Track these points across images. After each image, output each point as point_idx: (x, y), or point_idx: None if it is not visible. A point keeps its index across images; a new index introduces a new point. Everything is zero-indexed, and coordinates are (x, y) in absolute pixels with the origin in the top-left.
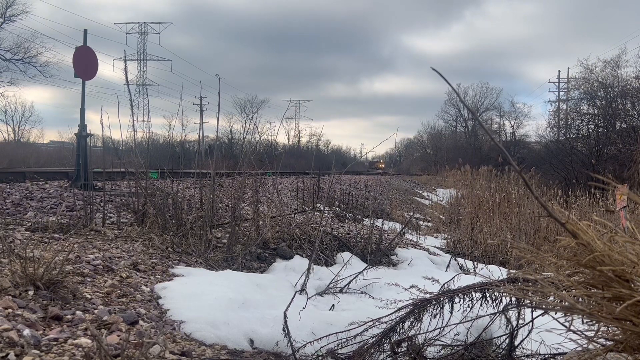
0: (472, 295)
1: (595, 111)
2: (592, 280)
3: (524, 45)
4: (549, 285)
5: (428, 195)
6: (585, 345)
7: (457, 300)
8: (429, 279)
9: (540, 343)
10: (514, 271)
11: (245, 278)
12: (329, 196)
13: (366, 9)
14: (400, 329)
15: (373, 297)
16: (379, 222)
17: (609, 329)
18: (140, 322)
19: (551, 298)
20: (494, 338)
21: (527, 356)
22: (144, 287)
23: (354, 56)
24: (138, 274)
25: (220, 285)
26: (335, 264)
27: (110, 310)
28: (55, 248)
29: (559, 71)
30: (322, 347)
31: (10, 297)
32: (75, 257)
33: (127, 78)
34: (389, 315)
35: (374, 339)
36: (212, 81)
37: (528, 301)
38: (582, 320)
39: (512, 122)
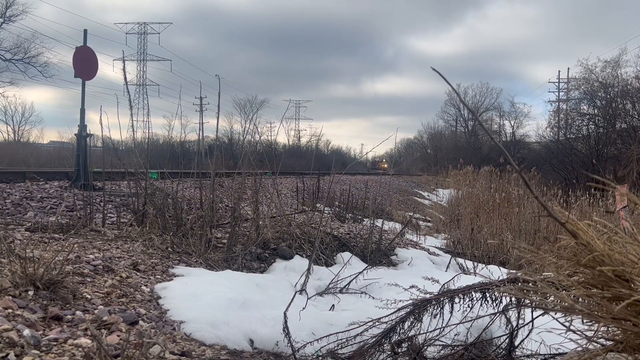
0: (472, 295)
1: (595, 111)
2: (592, 280)
3: (525, 47)
4: (548, 285)
5: (428, 196)
6: (585, 346)
7: (457, 300)
8: (429, 279)
9: (540, 343)
10: (514, 271)
11: (245, 278)
12: (329, 196)
13: (368, 12)
14: (400, 329)
15: (373, 297)
16: (379, 222)
17: (609, 329)
18: (140, 322)
19: (551, 298)
20: (494, 338)
21: (527, 356)
22: (144, 287)
23: (356, 58)
24: (138, 274)
25: (220, 285)
26: (335, 264)
27: (110, 311)
28: (55, 248)
29: (559, 71)
30: (322, 347)
31: (10, 297)
32: (75, 257)
33: (125, 78)
34: (389, 315)
35: (374, 339)
36: (213, 81)
37: (528, 301)
38: (582, 321)
39: (512, 122)
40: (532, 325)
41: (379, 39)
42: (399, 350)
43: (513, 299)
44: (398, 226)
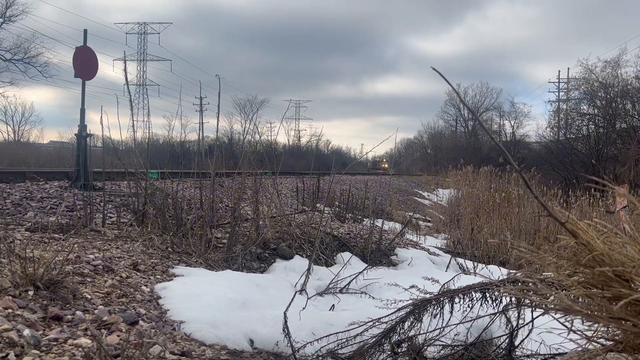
0: (472, 295)
1: (595, 111)
2: (592, 280)
3: (525, 47)
4: (548, 285)
5: (428, 196)
6: (585, 346)
7: (457, 300)
8: (429, 279)
9: (541, 343)
10: (514, 271)
11: (245, 278)
12: (329, 196)
13: (369, 12)
14: (400, 329)
15: (373, 297)
16: (379, 222)
17: (609, 329)
18: (140, 322)
19: (551, 298)
20: (494, 338)
21: (527, 356)
22: (144, 287)
23: (356, 58)
24: (138, 274)
25: (220, 285)
26: (335, 264)
27: (110, 310)
28: (55, 248)
29: (559, 71)
30: (322, 347)
31: (10, 297)
32: (75, 257)
33: (126, 78)
34: (389, 315)
35: (374, 339)
36: (213, 81)
37: (528, 301)
38: (582, 321)
39: (512, 122)
40: (532, 325)
41: (379, 39)
42: (399, 350)
43: (513, 299)
44: (398, 226)
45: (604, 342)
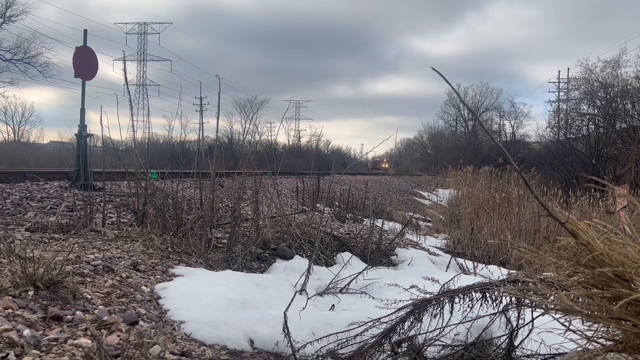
0: (472, 295)
1: (595, 111)
2: (592, 280)
3: (525, 47)
4: (548, 285)
5: (428, 196)
6: (585, 346)
7: (457, 300)
8: (429, 279)
9: (540, 343)
10: (514, 271)
11: (245, 278)
12: (329, 196)
13: (369, 12)
14: (400, 329)
15: (373, 297)
16: (379, 222)
17: (609, 329)
18: (140, 322)
19: (551, 298)
20: (494, 338)
21: (527, 356)
22: (144, 287)
23: (356, 58)
24: (138, 274)
25: (220, 286)
26: (335, 264)
27: (110, 311)
28: (55, 248)
29: (559, 71)
30: (322, 347)
31: (10, 297)
32: (75, 257)
33: (126, 78)
34: (389, 315)
35: (374, 339)
36: (213, 81)
37: (528, 301)
38: (582, 321)
39: (512, 122)
40: (532, 325)
41: (379, 40)
42: (399, 350)
43: (513, 299)
44: (398, 226)
45: (604, 342)
